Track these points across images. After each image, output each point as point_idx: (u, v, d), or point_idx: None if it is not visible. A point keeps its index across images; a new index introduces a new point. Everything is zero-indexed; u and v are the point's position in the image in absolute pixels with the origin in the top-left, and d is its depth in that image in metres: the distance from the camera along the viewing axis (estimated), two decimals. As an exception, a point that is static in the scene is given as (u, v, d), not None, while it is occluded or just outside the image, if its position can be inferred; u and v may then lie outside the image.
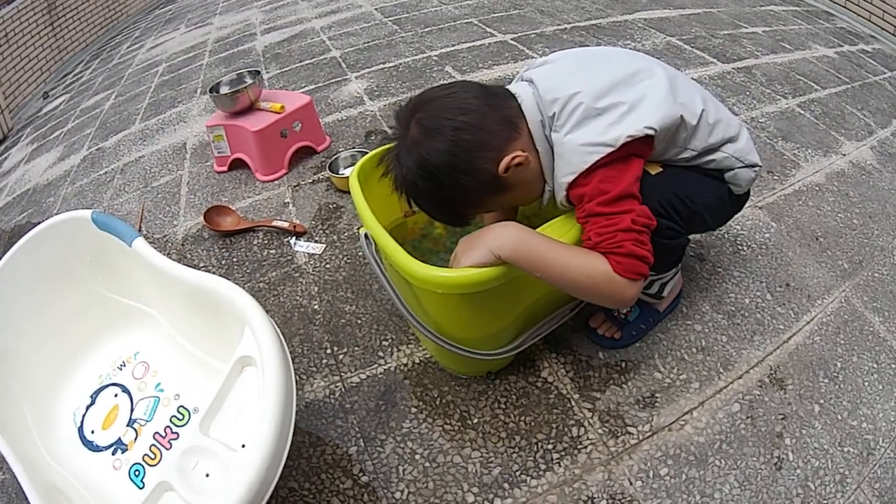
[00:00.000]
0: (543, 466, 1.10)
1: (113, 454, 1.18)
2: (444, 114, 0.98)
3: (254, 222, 1.88)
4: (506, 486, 1.08)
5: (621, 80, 1.00)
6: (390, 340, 1.39)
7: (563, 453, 1.12)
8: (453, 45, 3.15)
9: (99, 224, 1.28)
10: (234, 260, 1.77)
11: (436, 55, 3.05)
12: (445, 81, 2.59)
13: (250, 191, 2.11)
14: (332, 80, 2.97)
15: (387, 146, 1.34)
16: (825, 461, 1.07)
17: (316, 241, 1.77)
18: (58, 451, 1.21)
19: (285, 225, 1.82)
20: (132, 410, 1.24)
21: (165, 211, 2.14)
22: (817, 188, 1.80)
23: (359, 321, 1.46)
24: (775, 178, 1.84)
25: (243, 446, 0.94)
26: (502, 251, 0.93)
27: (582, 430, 1.15)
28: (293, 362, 0.97)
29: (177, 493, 0.96)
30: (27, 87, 5.25)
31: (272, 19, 4.55)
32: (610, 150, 0.93)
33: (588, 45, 2.92)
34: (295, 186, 2.08)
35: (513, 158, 0.97)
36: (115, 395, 1.28)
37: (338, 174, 1.98)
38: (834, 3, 3.71)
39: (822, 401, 1.17)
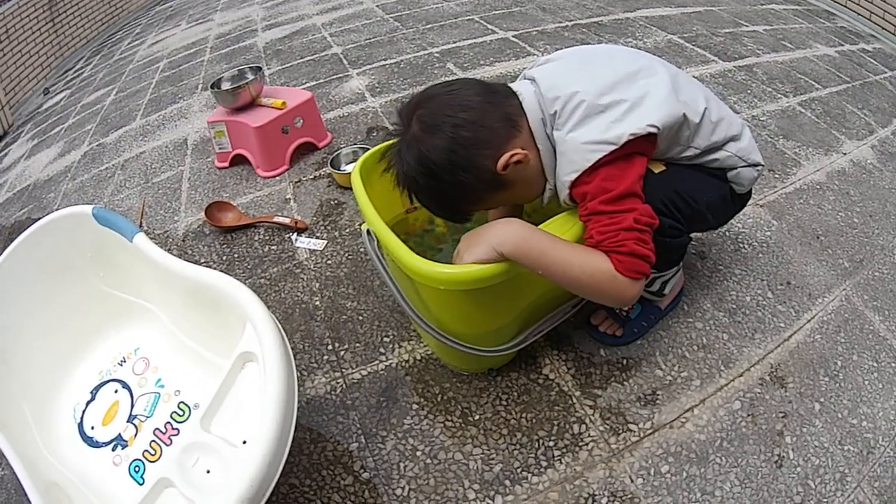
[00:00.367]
0: (545, 463, 1.10)
1: (113, 450, 1.18)
2: (444, 111, 0.99)
3: (255, 218, 1.88)
4: (507, 482, 1.08)
5: (623, 78, 0.99)
6: (392, 337, 1.39)
7: (564, 450, 1.12)
8: (455, 42, 3.14)
9: (100, 220, 1.28)
10: (236, 256, 1.77)
11: (437, 52, 3.04)
12: (447, 78, 2.59)
13: (251, 187, 2.11)
14: (334, 77, 2.97)
15: (389, 142, 1.34)
16: (825, 459, 1.07)
17: (317, 238, 1.77)
18: (57, 448, 1.21)
19: (287, 221, 1.82)
20: (132, 406, 1.24)
21: (166, 207, 2.14)
22: (818, 187, 1.80)
23: (360, 317, 1.46)
24: (776, 176, 1.84)
25: (244, 443, 0.94)
26: (504, 247, 0.93)
27: (583, 427, 1.15)
28: (294, 358, 0.97)
29: (177, 490, 0.96)
30: (28, 83, 5.25)
31: (273, 15, 4.54)
32: (613, 148, 0.93)
33: (589, 43, 2.92)
34: (296, 182, 2.08)
35: (512, 156, 0.97)
36: (116, 391, 1.28)
37: (339, 170, 1.98)
38: (835, 1, 3.70)
39: (822, 399, 1.17)
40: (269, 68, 3.33)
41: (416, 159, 0.99)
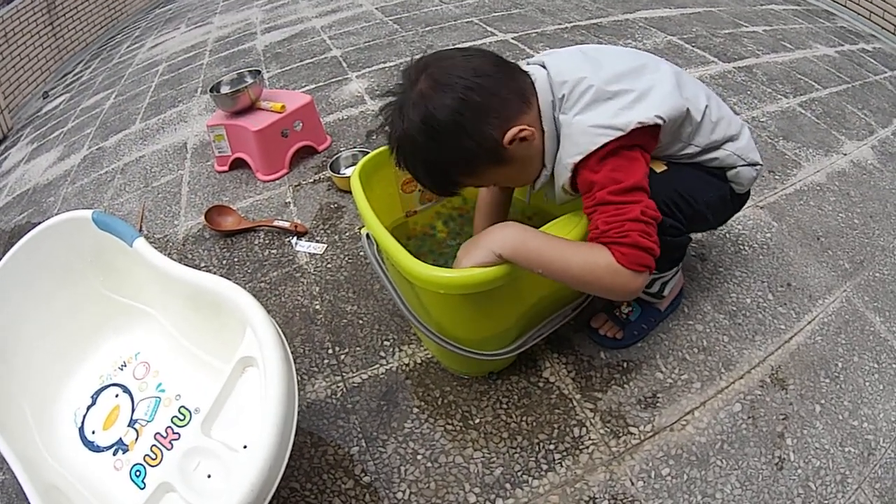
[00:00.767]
0: (545, 467, 1.10)
1: (114, 454, 1.18)
2: (457, 72, 0.96)
3: (255, 222, 1.88)
4: (507, 486, 1.08)
5: (630, 71, 1.00)
6: (392, 340, 1.39)
7: (564, 453, 1.12)
8: (454, 44, 3.14)
9: (99, 224, 1.28)
10: (235, 260, 1.77)
11: (436, 54, 3.04)
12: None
13: (251, 190, 2.11)
14: (333, 80, 2.97)
15: (387, 146, 1.34)
16: (826, 461, 1.07)
17: (317, 241, 1.77)
18: (58, 452, 1.21)
19: (286, 225, 1.82)
20: (133, 411, 1.24)
21: (166, 211, 2.14)
22: (818, 188, 1.80)
23: (360, 321, 1.46)
24: (776, 177, 1.84)
25: (245, 447, 0.94)
26: (503, 250, 0.93)
27: (584, 430, 1.15)
28: (295, 363, 0.97)
29: (178, 494, 0.96)
30: (27, 86, 5.25)
31: (272, 18, 4.55)
32: (620, 134, 0.92)
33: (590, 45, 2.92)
34: (296, 186, 2.08)
35: (521, 131, 0.95)
36: (116, 396, 1.28)
37: (339, 174, 1.98)
38: (834, 1, 3.70)
39: (823, 401, 1.17)
40: (268, 71, 3.33)
41: (420, 116, 0.95)
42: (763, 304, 1.38)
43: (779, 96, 2.35)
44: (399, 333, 1.41)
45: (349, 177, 1.25)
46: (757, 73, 2.55)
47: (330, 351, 1.39)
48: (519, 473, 1.09)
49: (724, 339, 1.30)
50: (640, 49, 2.36)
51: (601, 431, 1.15)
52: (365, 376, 1.32)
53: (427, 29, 3.47)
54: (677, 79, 1.02)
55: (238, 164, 2.25)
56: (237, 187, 2.16)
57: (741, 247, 1.55)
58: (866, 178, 1.84)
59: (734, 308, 1.37)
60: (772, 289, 1.42)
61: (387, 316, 1.46)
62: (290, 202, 1.99)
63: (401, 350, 1.37)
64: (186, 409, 1.19)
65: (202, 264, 1.78)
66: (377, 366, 1.34)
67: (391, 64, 3.01)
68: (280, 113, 2.10)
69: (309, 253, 1.73)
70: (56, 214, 1.46)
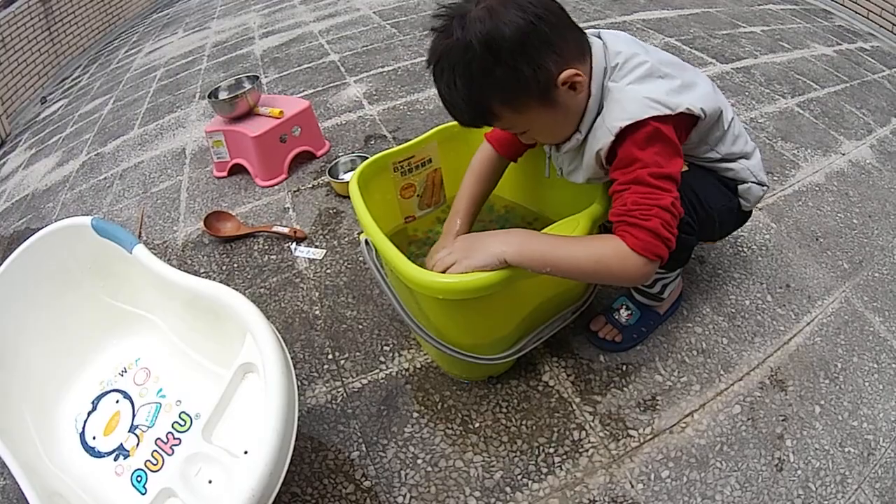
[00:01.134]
0: (545, 470, 1.10)
1: (115, 460, 1.18)
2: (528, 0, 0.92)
3: (254, 228, 1.88)
4: (508, 489, 1.08)
5: (674, 63, 1.04)
6: (391, 345, 1.40)
7: (564, 457, 1.12)
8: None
9: (99, 231, 1.28)
10: (235, 266, 1.77)
11: (434, 58, 3.04)
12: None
13: (250, 196, 2.12)
14: (331, 85, 2.98)
15: (389, 150, 1.35)
16: (826, 462, 1.07)
17: (316, 247, 1.78)
18: (59, 457, 1.21)
19: (285, 230, 1.82)
20: (134, 416, 1.24)
21: (165, 217, 2.14)
22: (817, 188, 1.80)
23: (360, 326, 1.46)
24: (775, 178, 1.84)
25: (246, 452, 0.95)
26: (507, 255, 0.93)
27: (583, 433, 1.15)
28: (295, 368, 0.97)
29: (179, 500, 0.97)
30: (24, 91, 5.25)
31: (270, 23, 4.55)
32: (668, 112, 0.93)
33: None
34: (295, 191, 2.08)
35: (576, 74, 0.94)
36: (117, 401, 1.28)
37: (338, 179, 1.98)
38: (832, 0, 3.71)
39: (822, 402, 1.17)
40: (266, 76, 3.34)
41: (485, 28, 0.89)
42: (762, 305, 1.39)
43: (777, 97, 2.36)
44: (398, 338, 1.41)
45: (348, 182, 1.25)
46: (755, 74, 2.56)
47: (330, 356, 1.40)
48: (519, 477, 1.10)
49: (724, 340, 1.30)
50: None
51: (601, 434, 1.15)
52: (365, 381, 1.32)
53: (425, 33, 3.46)
54: (712, 84, 1.07)
55: (237, 169, 2.25)
56: (236, 193, 2.16)
57: (740, 248, 1.55)
58: (865, 178, 1.85)
59: (733, 310, 1.37)
60: (771, 290, 1.42)
61: (386, 321, 1.46)
62: (289, 207, 2.00)
63: (400, 355, 1.37)
64: (187, 414, 1.19)
65: (202, 270, 1.79)
66: (377, 371, 1.34)
67: (389, 68, 3.02)
68: (278, 118, 2.10)
69: (308, 258, 1.73)
70: (55, 220, 1.46)
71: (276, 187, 2.14)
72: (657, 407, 1.18)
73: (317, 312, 1.53)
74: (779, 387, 1.20)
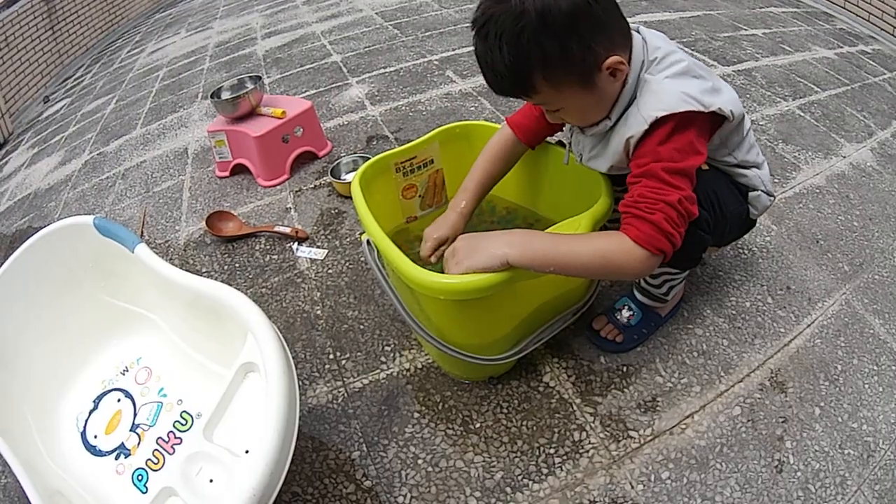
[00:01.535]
0: (545, 470, 1.10)
1: (116, 459, 1.19)
2: None
3: (256, 228, 1.89)
4: (508, 490, 1.08)
5: (704, 67, 1.04)
6: (393, 346, 1.40)
7: (564, 457, 1.12)
8: (454, 49, 3.15)
9: (101, 230, 1.28)
10: (237, 265, 1.78)
11: (437, 59, 3.05)
12: (447, 86, 2.60)
13: (252, 196, 2.12)
14: (333, 85, 2.98)
15: (388, 151, 1.35)
16: (826, 463, 1.07)
17: (318, 247, 1.78)
18: (61, 456, 1.21)
19: (287, 230, 1.83)
20: (135, 415, 1.25)
21: (167, 216, 2.15)
22: (818, 191, 1.80)
23: (361, 326, 1.46)
24: (776, 181, 1.84)
25: (247, 452, 0.95)
26: (510, 256, 0.93)
27: (584, 434, 1.16)
28: (296, 368, 0.98)
29: (180, 499, 0.97)
30: (27, 90, 5.26)
31: (273, 24, 4.56)
32: (702, 109, 0.94)
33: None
34: (297, 192, 2.09)
35: (620, 62, 0.94)
36: (118, 400, 1.29)
37: (340, 179, 1.98)
38: (833, 3, 3.71)
39: (822, 403, 1.18)
40: (268, 77, 3.34)
41: (543, 2, 0.88)
42: (762, 307, 1.39)
43: (778, 99, 2.36)
44: (400, 338, 1.41)
45: (350, 182, 1.25)
46: (756, 77, 2.56)
47: (331, 356, 1.40)
48: (519, 477, 1.10)
49: (724, 342, 1.30)
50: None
51: (601, 435, 1.15)
52: (366, 381, 1.32)
53: (427, 34, 3.48)
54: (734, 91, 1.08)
55: (239, 169, 2.26)
56: (238, 193, 2.16)
57: (740, 250, 1.55)
58: (865, 181, 1.85)
59: (733, 312, 1.38)
60: (771, 292, 1.43)
61: (387, 321, 1.46)
62: (290, 208, 2.00)
63: (401, 355, 1.37)
64: (188, 413, 1.19)
65: (203, 270, 1.79)
66: (378, 371, 1.34)
67: (391, 69, 3.02)
68: (281, 118, 2.10)
69: (310, 258, 1.73)
70: (57, 220, 1.47)
71: (278, 187, 2.14)
72: (657, 408, 1.18)
73: (318, 312, 1.53)
74: (779, 388, 1.20)
